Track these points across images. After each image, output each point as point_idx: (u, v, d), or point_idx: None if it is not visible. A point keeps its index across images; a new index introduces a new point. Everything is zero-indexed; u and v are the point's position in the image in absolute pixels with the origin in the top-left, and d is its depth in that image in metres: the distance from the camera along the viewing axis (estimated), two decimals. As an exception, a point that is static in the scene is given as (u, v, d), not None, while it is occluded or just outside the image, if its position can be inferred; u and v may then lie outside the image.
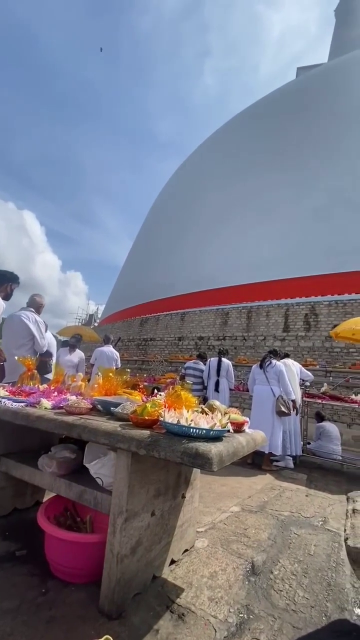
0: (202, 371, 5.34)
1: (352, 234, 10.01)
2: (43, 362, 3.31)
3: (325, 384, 5.56)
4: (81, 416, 1.59)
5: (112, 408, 1.56)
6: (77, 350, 5.35)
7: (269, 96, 20.20)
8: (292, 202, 12.19)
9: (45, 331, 3.31)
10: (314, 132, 13.62)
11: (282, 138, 14.79)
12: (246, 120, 19.41)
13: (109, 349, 5.82)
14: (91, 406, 1.69)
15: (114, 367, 5.13)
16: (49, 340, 3.37)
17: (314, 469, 4.26)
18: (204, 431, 1.25)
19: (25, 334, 3.07)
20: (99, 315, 26.57)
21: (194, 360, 5.66)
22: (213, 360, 5.27)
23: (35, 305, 3.28)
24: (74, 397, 1.84)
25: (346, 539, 1.01)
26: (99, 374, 1.94)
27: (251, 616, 1.34)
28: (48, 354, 3.44)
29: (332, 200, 11.14)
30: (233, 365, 5.59)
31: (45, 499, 1.94)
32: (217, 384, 5.10)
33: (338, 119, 13.27)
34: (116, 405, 1.56)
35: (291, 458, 4.25)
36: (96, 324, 23.26)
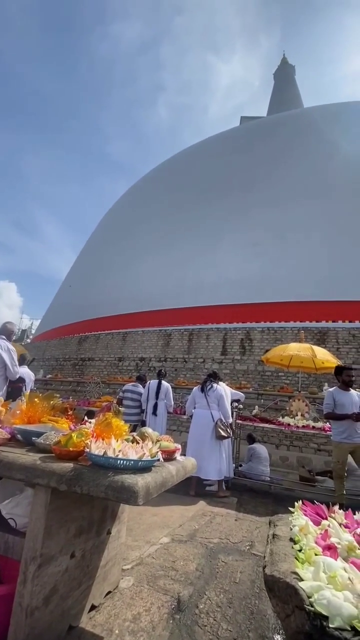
0: (140, 394, 5.24)
1: (284, 268, 11.09)
2: (17, 389, 3.36)
3: (256, 406, 5.85)
4: (-4, 448, 1.42)
5: (33, 438, 1.43)
6: None
7: (217, 137, 22.02)
8: (233, 235, 13.15)
9: None
10: (255, 175, 15.09)
11: (226, 176, 16.08)
12: (195, 155, 20.76)
13: (26, 370, 5.35)
14: (10, 436, 1.53)
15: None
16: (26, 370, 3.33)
17: (244, 491, 4.37)
18: (132, 462, 1.21)
19: None
20: (33, 331, 24.79)
21: (132, 383, 5.54)
22: (153, 383, 5.21)
23: (7, 332, 3.31)
24: (-10, 426, 1.65)
25: (264, 567, 1.03)
26: (23, 398, 1.78)
27: (173, 659, 1.28)
28: (21, 380, 3.51)
29: (268, 236, 12.27)
30: (172, 388, 5.59)
31: None
32: (155, 407, 5.03)
33: (275, 166, 14.93)
34: (38, 435, 1.44)
35: (223, 481, 4.30)
36: (29, 340, 21.59)
